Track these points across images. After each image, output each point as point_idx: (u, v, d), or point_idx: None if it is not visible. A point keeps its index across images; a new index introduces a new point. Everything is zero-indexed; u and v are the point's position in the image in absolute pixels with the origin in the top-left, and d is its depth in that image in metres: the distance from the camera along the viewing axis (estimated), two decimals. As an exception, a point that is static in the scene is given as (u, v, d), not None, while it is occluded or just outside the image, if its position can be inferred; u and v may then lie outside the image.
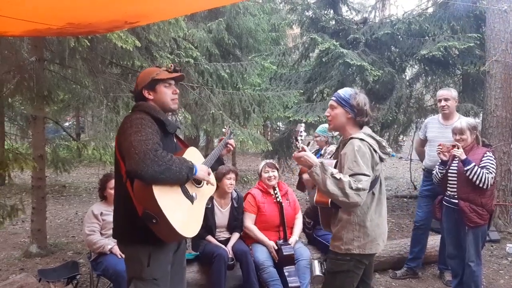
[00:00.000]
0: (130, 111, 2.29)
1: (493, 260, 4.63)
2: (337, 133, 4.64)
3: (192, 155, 2.25)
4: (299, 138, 2.24)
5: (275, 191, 3.75)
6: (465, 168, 3.22)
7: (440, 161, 3.48)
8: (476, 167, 3.21)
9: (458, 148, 3.25)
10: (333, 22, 7.21)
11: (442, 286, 3.99)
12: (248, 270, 3.42)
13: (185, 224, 2.01)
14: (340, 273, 2.34)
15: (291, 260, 3.53)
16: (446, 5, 6.72)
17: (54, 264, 4.40)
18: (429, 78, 7.77)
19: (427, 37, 6.51)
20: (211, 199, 3.60)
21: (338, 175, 2.12)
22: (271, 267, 3.47)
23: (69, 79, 4.67)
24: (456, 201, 3.37)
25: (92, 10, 2.31)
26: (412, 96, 7.56)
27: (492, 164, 3.28)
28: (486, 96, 5.79)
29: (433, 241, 4.37)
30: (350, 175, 2.15)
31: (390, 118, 6.20)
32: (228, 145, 2.64)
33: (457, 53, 6.45)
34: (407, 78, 7.89)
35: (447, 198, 3.50)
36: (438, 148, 3.44)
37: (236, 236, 3.71)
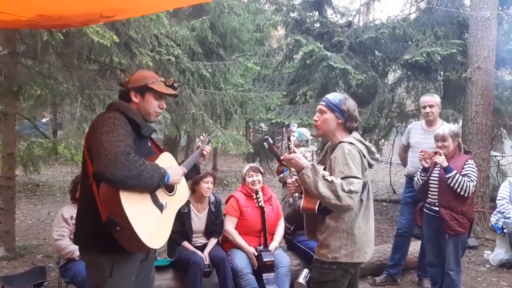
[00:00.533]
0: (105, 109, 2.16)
1: (471, 267, 4.65)
2: (310, 137, 4.66)
3: (166, 161, 2.13)
4: (292, 138, 2.17)
5: (258, 195, 3.65)
6: (447, 176, 3.19)
7: (421, 167, 3.44)
8: (458, 174, 3.18)
9: (440, 155, 3.22)
10: (318, 24, 7.17)
11: (421, 293, 3.97)
12: (225, 278, 3.31)
13: (152, 234, 1.88)
14: (326, 283, 2.27)
15: (270, 267, 3.43)
16: (430, 11, 6.76)
17: (22, 268, 4.19)
18: (411, 83, 7.83)
19: (410, 42, 6.53)
20: (187, 203, 3.48)
21: (329, 177, 2.06)
22: (249, 274, 3.36)
23: (43, 74, 4.46)
24: (437, 208, 3.34)
25: (64, 2, 2.17)
26: (394, 100, 7.59)
27: (473, 172, 3.26)
28: (466, 102, 5.84)
29: (413, 247, 4.34)
30: (341, 178, 2.09)
31: (373, 123, 6.19)
32: (203, 151, 2.57)
33: (440, 59, 6.50)
34: (390, 82, 7.92)
35: (428, 206, 3.47)
36: (420, 155, 3.40)
37: (213, 242, 3.60)
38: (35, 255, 4.71)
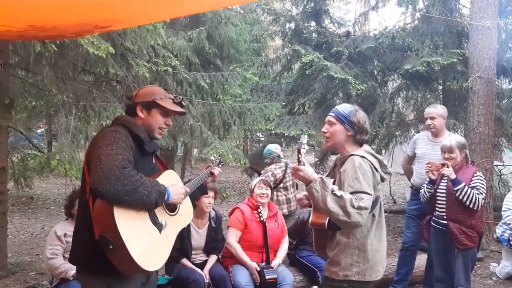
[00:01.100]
0: (101, 121, 2.09)
1: (478, 280, 4.52)
2: (281, 152, 4.67)
3: (169, 178, 2.03)
4: (302, 150, 2.06)
5: (259, 210, 3.53)
6: (455, 188, 3.09)
7: (428, 179, 3.34)
8: (467, 187, 3.08)
9: (447, 167, 3.12)
10: (316, 35, 7.12)
11: (427, 309, 3.84)
12: (226, 297, 3.17)
13: (147, 254, 1.76)
14: None
15: (273, 284, 3.30)
16: (428, 21, 6.72)
17: (14, 287, 4.03)
18: (410, 92, 7.77)
19: (409, 52, 6.49)
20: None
21: (338, 192, 1.97)
22: (251, 292, 3.24)
23: (37, 86, 4.35)
24: (445, 222, 3.23)
25: (57, 12, 2.07)
26: (393, 110, 7.52)
27: (482, 184, 3.17)
28: (468, 112, 5.76)
29: (419, 260, 4.21)
30: (351, 193, 1.99)
31: (373, 133, 6.11)
32: (213, 171, 2.46)
33: (439, 68, 6.45)
34: (389, 92, 7.87)
35: (435, 219, 3.36)
36: (427, 167, 3.30)
37: (213, 258, 3.46)
38: (28, 273, 4.54)
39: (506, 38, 6.88)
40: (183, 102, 2.07)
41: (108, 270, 1.76)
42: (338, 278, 2.12)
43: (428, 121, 3.85)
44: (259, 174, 3.08)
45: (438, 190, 3.30)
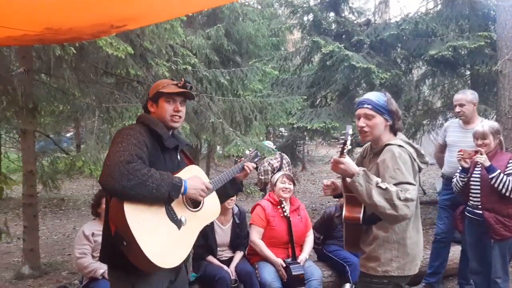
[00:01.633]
0: (123, 122, 2.10)
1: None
2: (274, 146, 4.75)
3: (191, 173, 1.98)
4: (348, 142, 1.95)
5: (282, 205, 3.48)
6: (490, 176, 2.94)
7: (460, 168, 3.20)
8: (502, 174, 2.93)
9: (481, 154, 2.97)
10: (335, 25, 6.97)
11: (463, 303, 3.70)
12: (253, 293, 3.14)
13: (162, 251, 1.73)
14: None
15: (300, 280, 3.24)
16: (452, 4, 6.47)
17: (47, 286, 4.13)
18: (436, 79, 7.51)
19: (434, 37, 6.25)
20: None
21: (383, 185, 1.86)
22: (278, 288, 3.19)
23: (60, 89, 4.43)
24: (480, 211, 3.09)
25: (72, 13, 2.06)
26: (420, 98, 7.29)
27: (518, 171, 3.00)
28: (499, 97, 5.51)
29: (452, 253, 4.06)
30: (394, 184, 1.89)
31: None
32: (245, 167, 2.31)
33: (466, 52, 6.19)
34: (414, 80, 7.63)
35: (470, 209, 3.21)
36: (459, 154, 3.15)
37: (239, 255, 3.43)
38: (60, 272, 4.66)
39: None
40: (187, 84, 2.00)
41: (132, 269, 1.75)
42: (377, 274, 2.04)
43: (457, 108, 3.68)
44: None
45: (472, 179, 3.16)
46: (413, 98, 6.16)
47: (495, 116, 5.87)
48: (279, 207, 3.46)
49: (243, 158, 2.41)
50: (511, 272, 4.15)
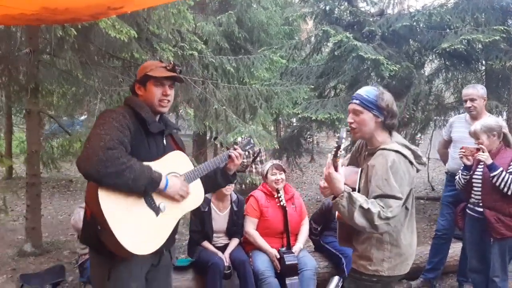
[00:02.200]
0: None
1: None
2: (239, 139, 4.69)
3: (174, 160, 1.96)
4: (342, 146, 1.86)
5: (279, 194, 3.45)
6: (492, 174, 2.86)
7: (463, 165, 3.12)
8: (504, 172, 2.84)
9: (483, 152, 2.89)
10: (347, 14, 6.82)
11: (461, 301, 3.65)
12: (245, 281, 3.14)
13: (138, 238, 1.72)
14: None
15: (294, 270, 3.23)
16: (469, -4, 6.27)
17: (48, 264, 4.21)
18: (450, 73, 7.34)
19: (448, 30, 6.08)
20: (207, 202, 3.33)
21: (366, 205, 1.81)
22: (271, 277, 3.18)
23: (66, 72, 4.44)
24: (481, 209, 3.02)
25: (66, -8, 2.05)
26: (431, 92, 7.13)
27: (522, 169, 2.91)
28: (511, 93, 5.37)
29: (453, 249, 4.00)
30: (378, 196, 1.85)
31: (408, 116, 5.82)
32: (232, 156, 2.19)
33: (481, 47, 6.00)
34: (426, 73, 7.46)
35: (471, 206, 3.15)
36: (461, 152, 3.08)
37: (235, 242, 3.43)
38: (62, 251, 4.74)
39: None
40: (176, 67, 1.94)
41: (107, 252, 1.74)
42: (367, 272, 2.02)
43: (468, 103, 3.57)
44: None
45: (474, 176, 3.08)
46: (422, 92, 6.01)
47: (507, 113, 5.71)
48: (275, 196, 3.44)
49: (231, 146, 2.32)
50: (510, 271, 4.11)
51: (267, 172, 3.49)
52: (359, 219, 1.82)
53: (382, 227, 1.83)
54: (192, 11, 8.03)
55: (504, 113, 5.86)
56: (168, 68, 1.93)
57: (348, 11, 6.86)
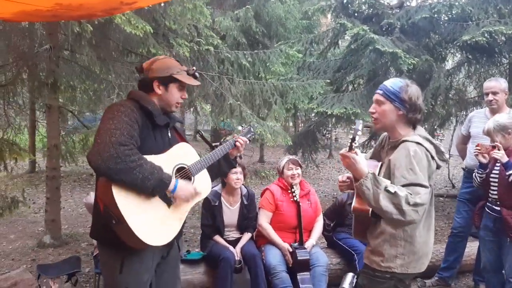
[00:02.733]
0: None
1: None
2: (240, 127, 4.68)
3: (181, 152, 1.98)
4: (356, 138, 1.85)
5: (293, 189, 3.44)
6: (507, 173, 2.78)
7: (479, 163, 3.04)
8: (521, 170, 2.75)
9: (498, 150, 2.80)
10: (365, 7, 6.70)
11: (477, 300, 3.58)
12: (256, 275, 3.14)
13: (152, 229, 1.74)
14: None
15: (306, 265, 3.22)
16: (493, -14, 6.06)
17: (66, 256, 4.33)
18: (472, 67, 7.13)
19: (470, 22, 5.91)
20: (217, 196, 3.36)
21: (392, 188, 1.77)
22: (283, 272, 3.18)
23: (81, 66, 4.54)
24: (498, 208, 2.94)
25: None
26: (452, 87, 6.95)
27: (539, 167, 2.81)
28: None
29: (469, 248, 3.91)
30: (404, 185, 1.80)
31: (426, 111, 5.69)
32: (237, 143, 2.26)
33: (504, 39, 5.81)
34: (448, 67, 7.27)
35: (489, 205, 3.06)
36: (476, 149, 3.00)
37: (247, 236, 3.44)
38: (80, 243, 4.87)
39: None
40: (196, 74, 1.99)
41: (121, 244, 1.76)
42: (379, 269, 1.98)
43: (490, 97, 3.46)
44: (210, 146, 2.86)
45: (492, 175, 3.00)
46: (441, 86, 5.85)
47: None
48: (289, 191, 3.43)
49: (235, 134, 2.37)
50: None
51: (283, 167, 3.49)
52: (384, 202, 1.76)
53: (410, 214, 1.76)
54: (210, 6, 8.08)
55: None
56: (189, 73, 1.97)
57: (366, 4, 6.73)
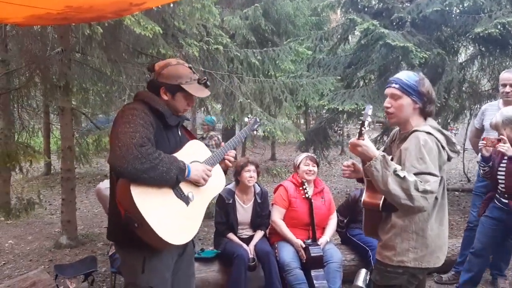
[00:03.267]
0: None
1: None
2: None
3: (193, 149, 2.00)
4: (366, 123, 1.84)
5: (304, 186, 3.43)
6: (513, 166, 2.75)
7: (481, 157, 3.02)
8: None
9: (504, 143, 2.76)
10: (375, 2, 6.64)
11: (495, 294, 3.52)
12: (270, 272, 3.15)
13: (174, 229, 1.77)
14: None
15: (319, 262, 3.21)
16: (506, -23, 5.95)
17: (82, 255, 4.39)
18: (486, 60, 7.01)
19: (482, 14, 5.81)
20: (231, 194, 3.36)
21: (401, 173, 1.77)
22: (297, 269, 3.17)
23: (92, 68, 4.59)
24: (506, 201, 2.94)
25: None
26: (465, 80, 6.84)
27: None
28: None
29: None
30: (414, 174, 1.79)
31: (439, 104, 5.62)
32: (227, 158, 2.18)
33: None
34: (461, 60, 7.16)
35: (498, 196, 3.06)
36: (481, 143, 2.97)
37: (260, 234, 3.45)
38: (96, 243, 4.93)
39: None
40: (207, 83, 2.00)
41: (143, 245, 1.79)
42: (392, 264, 1.95)
43: (507, 88, 3.41)
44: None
45: (500, 168, 2.97)
46: (454, 79, 5.77)
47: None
48: (301, 188, 3.43)
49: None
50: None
51: (300, 162, 3.49)
52: (393, 186, 1.75)
53: (418, 200, 1.75)
54: (219, 6, 8.09)
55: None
56: (200, 82, 1.98)
57: (376, -2, 6.69)
